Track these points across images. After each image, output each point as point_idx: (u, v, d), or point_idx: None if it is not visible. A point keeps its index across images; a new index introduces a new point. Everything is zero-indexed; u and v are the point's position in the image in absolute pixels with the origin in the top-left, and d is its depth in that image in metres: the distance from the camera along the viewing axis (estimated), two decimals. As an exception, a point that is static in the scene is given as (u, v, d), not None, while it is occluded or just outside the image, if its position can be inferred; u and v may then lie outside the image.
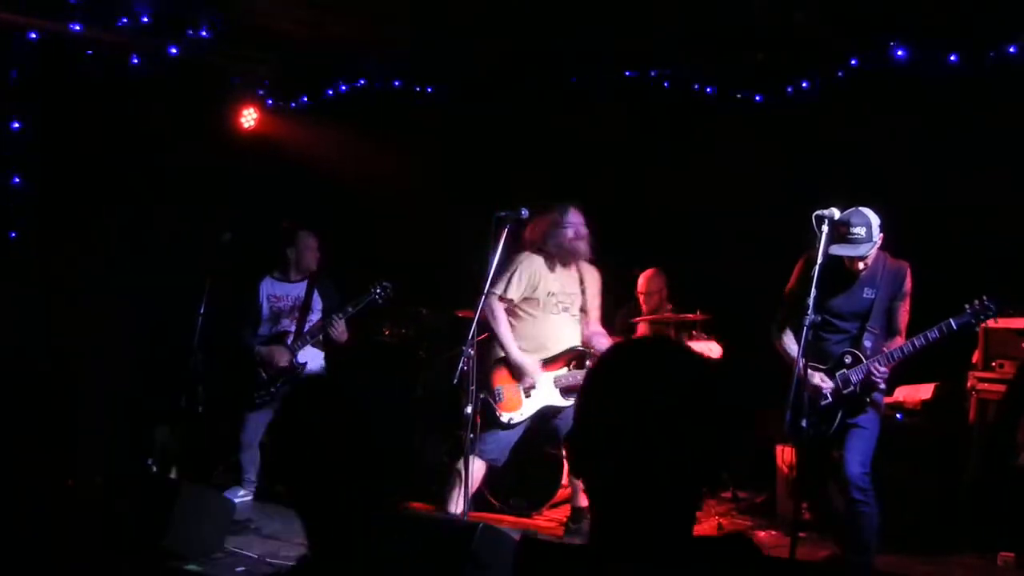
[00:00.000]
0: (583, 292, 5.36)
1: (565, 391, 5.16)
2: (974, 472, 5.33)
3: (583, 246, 5.26)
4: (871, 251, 4.52)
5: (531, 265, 5.22)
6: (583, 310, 5.36)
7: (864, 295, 4.59)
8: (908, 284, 4.61)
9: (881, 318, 4.58)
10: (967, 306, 4.42)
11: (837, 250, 4.44)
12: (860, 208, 4.53)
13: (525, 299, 5.22)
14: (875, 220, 4.51)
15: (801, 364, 4.22)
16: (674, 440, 1.49)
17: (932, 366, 5.49)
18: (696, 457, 1.51)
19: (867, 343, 4.56)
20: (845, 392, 4.54)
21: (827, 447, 4.67)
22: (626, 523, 1.52)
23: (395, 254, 7.65)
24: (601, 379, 1.61)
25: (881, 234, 4.53)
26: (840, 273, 4.55)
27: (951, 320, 4.42)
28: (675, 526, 1.53)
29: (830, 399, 4.55)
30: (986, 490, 5.20)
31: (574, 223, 5.24)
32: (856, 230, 4.46)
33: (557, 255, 5.24)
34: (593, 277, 5.42)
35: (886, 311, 4.60)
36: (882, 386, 4.57)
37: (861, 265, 4.56)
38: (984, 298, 4.40)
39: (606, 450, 1.52)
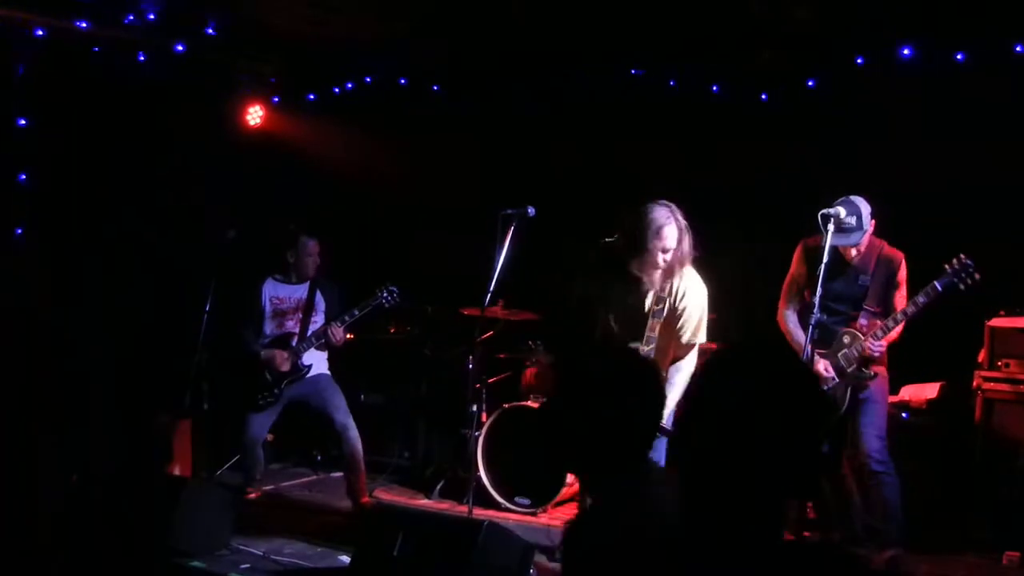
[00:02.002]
0: None
1: None
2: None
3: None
4: (862, 239, 4.70)
5: None
6: None
7: (859, 282, 4.81)
8: (902, 273, 4.79)
9: (877, 300, 4.77)
10: (947, 266, 4.54)
11: (830, 239, 4.56)
12: (851, 197, 4.68)
13: None
14: (865, 208, 4.67)
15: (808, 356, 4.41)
16: (746, 442, 1.52)
17: (938, 365, 5.50)
18: (773, 461, 1.53)
19: (863, 320, 4.78)
20: (849, 370, 4.75)
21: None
22: (708, 517, 1.55)
23: (399, 251, 7.66)
24: (696, 379, 1.71)
25: (872, 221, 4.71)
26: (836, 260, 4.69)
27: (935, 282, 4.58)
28: (752, 527, 1.54)
29: (836, 379, 4.75)
30: None
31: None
32: (847, 219, 4.60)
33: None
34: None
35: (882, 297, 4.78)
36: (876, 354, 4.71)
37: (853, 252, 4.76)
38: (962, 256, 4.56)
39: (693, 444, 1.59)
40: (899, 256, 4.80)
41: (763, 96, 6.73)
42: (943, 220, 5.86)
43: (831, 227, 4.50)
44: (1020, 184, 5.64)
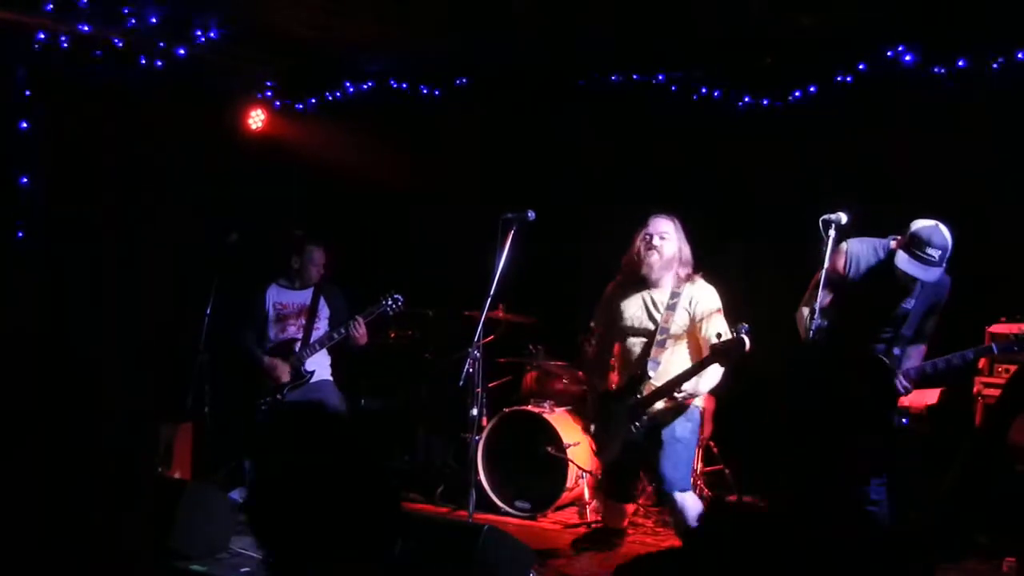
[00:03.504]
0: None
1: None
2: (955, 477, 5.29)
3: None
4: (937, 278, 4.38)
5: None
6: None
7: (903, 304, 4.52)
8: (946, 299, 4.56)
9: (913, 325, 4.55)
10: (1013, 335, 4.45)
11: (906, 266, 4.32)
12: (941, 228, 4.32)
13: None
14: (950, 245, 4.32)
15: None
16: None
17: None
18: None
19: (896, 351, 4.55)
20: None
21: None
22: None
23: (401, 254, 7.66)
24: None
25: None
26: (884, 280, 4.46)
27: (992, 344, 4.52)
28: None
29: None
30: (966, 495, 5.17)
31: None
32: (932, 252, 4.27)
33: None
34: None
35: (919, 322, 4.56)
36: (902, 392, 4.57)
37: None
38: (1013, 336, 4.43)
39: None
40: (948, 280, 4.49)
41: (764, 101, 6.74)
42: (943, 223, 5.87)
43: (832, 232, 4.30)
44: (1020, 186, 5.65)
